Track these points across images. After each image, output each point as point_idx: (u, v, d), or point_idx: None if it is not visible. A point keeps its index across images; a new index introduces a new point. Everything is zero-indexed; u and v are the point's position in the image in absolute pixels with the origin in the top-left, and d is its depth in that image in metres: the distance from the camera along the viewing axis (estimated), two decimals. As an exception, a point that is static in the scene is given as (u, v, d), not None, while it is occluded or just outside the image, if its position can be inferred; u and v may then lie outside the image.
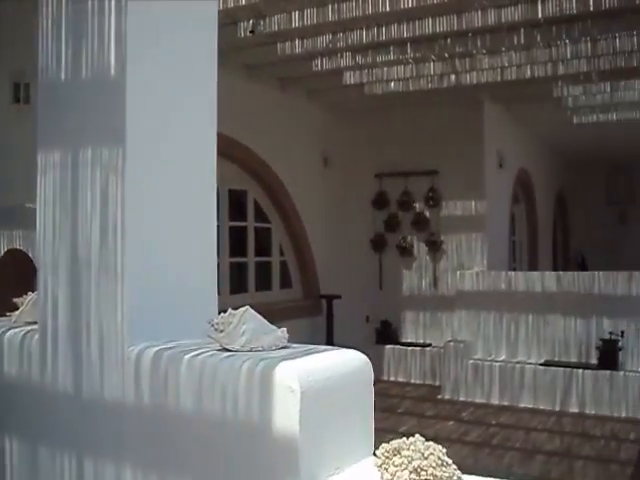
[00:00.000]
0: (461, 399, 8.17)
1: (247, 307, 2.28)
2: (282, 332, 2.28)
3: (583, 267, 15.84)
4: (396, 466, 1.81)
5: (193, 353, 2.13)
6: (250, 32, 6.51)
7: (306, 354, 2.09)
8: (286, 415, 1.86)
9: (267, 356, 2.04)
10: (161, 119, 2.49)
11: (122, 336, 2.27)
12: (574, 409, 7.59)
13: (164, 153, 2.51)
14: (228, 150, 8.14)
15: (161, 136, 2.49)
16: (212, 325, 2.22)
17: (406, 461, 1.80)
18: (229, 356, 2.08)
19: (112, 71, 2.36)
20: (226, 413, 2.00)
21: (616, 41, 7.03)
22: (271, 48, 7.17)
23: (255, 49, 7.50)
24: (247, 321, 2.21)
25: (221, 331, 2.20)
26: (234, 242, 8.56)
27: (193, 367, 2.09)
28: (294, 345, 2.28)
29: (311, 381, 1.89)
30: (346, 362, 2.16)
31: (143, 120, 2.40)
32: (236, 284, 8.50)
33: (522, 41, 6.84)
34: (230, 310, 2.25)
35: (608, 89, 8.79)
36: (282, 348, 2.21)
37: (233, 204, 8.50)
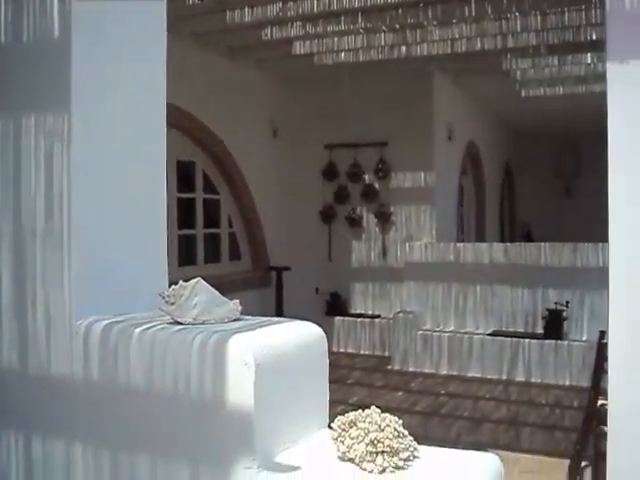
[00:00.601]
0: (410, 369, 8.25)
1: (199, 279, 2.23)
2: (235, 304, 2.24)
3: (529, 239, 16.09)
4: (352, 438, 1.79)
5: (144, 327, 2.08)
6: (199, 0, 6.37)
7: (260, 326, 2.06)
8: (240, 389, 1.82)
9: (220, 329, 2.00)
10: (108, 86, 2.41)
11: (70, 309, 2.20)
12: (520, 378, 7.74)
13: (112, 121, 2.43)
14: (176, 120, 7.98)
15: (108, 104, 2.41)
16: (163, 298, 2.17)
17: (362, 433, 1.79)
18: (181, 329, 2.03)
19: (56, 35, 2.26)
20: (178, 388, 1.95)
21: (565, 15, 7.08)
22: (220, 16, 7.03)
23: (204, 17, 7.34)
24: (199, 293, 2.17)
25: (172, 304, 2.15)
26: (182, 214, 8.44)
27: (144, 341, 2.04)
28: (247, 317, 2.25)
29: (266, 354, 1.86)
30: (301, 334, 2.13)
31: (89, 87, 2.31)
32: (185, 256, 8.40)
33: (473, 13, 6.82)
34: (181, 282, 2.20)
35: (556, 63, 8.86)
36: (235, 320, 2.17)
37: (181, 175, 8.36)
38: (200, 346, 1.92)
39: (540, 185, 16.52)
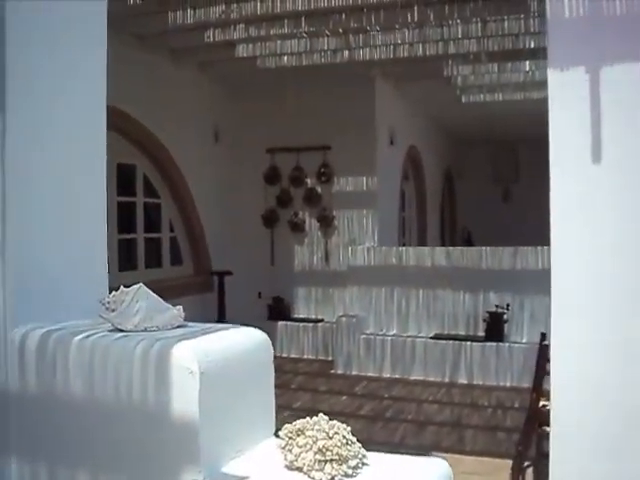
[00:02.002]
0: (354, 373, 8.25)
1: (140, 284, 2.17)
2: (178, 310, 2.18)
3: (469, 242, 16.31)
4: (300, 447, 1.76)
5: (83, 335, 2.01)
6: (139, -1, 6.26)
7: (204, 333, 2.01)
8: (184, 398, 1.77)
9: (163, 336, 1.94)
10: (46, 85, 2.33)
11: (5, 317, 2.11)
12: (463, 380, 7.81)
13: (49, 121, 2.35)
14: (117, 123, 7.83)
15: (46, 103, 2.33)
16: (103, 304, 2.10)
17: (310, 441, 1.75)
18: (122, 337, 1.97)
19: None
20: (120, 399, 1.89)
21: (505, 23, 7.19)
22: (162, 17, 6.92)
23: (145, 18, 7.23)
24: (140, 299, 2.10)
25: (113, 310, 2.08)
26: (123, 218, 8.30)
27: (83, 349, 1.97)
28: (191, 324, 2.19)
29: (210, 361, 1.81)
30: (246, 340, 2.09)
31: (25, 85, 2.23)
32: (125, 261, 8.25)
33: (415, 18, 6.88)
34: (122, 288, 2.14)
35: (496, 70, 8.99)
36: (178, 327, 2.11)
37: (121, 179, 8.21)
38: (142, 354, 1.86)
39: (480, 190, 16.76)
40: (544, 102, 9.83)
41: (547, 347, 4.58)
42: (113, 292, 2.13)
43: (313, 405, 6.88)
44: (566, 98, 3.61)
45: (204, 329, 2.09)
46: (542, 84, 9.50)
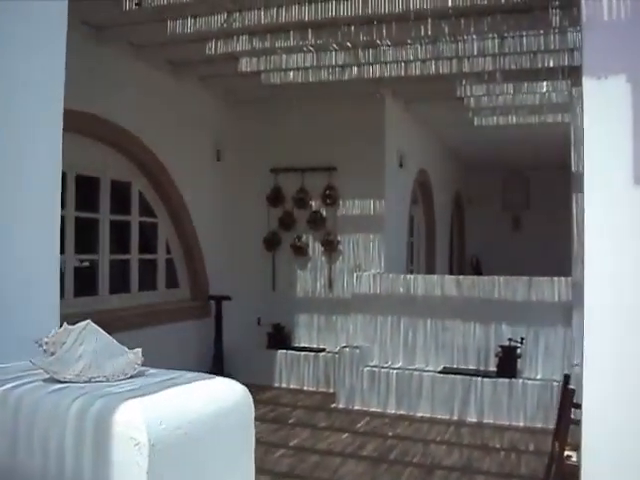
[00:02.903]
0: (356, 408, 7.76)
1: (88, 321, 1.72)
2: (136, 354, 1.73)
3: (478, 270, 15.89)
4: None
5: (9, 385, 1.56)
6: (136, 4, 5.87)
7: (164, 387, 1.55)
8: (129, 477, 1.32)
9: (109, 391, 1.49)
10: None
11: None
12: (472, 418, 7.31)
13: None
14: (111, 137, 7.47)
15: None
16: (40, 345, 1.66)
17: None
18: (57, 389, 1.52)
19: None
20: (48, 470, 1.44)
21: (523, 40, 6.80)
22: (160, 26, 6.51)
23: (143, 26, 6.83)
24: (86, 341, 1.65)
25: (52, 353, 1.64)
26: (116, 238, 7.87)
27: (7, 405, 1.52)
28: (151, 372, 1.74)
29: (165, 429, 1.36)
30: (218, 397, 1.63)
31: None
32: (117, 283, 7.81)
33: (429, 32, 6.47)
34: (66, 325, 1.69)
35: (511, 91, 8.61)
36: (133, 377, 1.66)
37: (116, 196, 7.79)
38: (78, 415, 1.42)
39: (489, 217, 16.35)
40: (559, 126, 9.36)
41: (571, 391, 4.13)
42: (54, 330, 1.69)
43: (311, 443, 6.39)
44: (603, 111, 3.17)
45: (165, 381, 1.64)
46: (559, 107, 9.20)
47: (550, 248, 14.37)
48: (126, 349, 1.74)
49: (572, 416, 4.04)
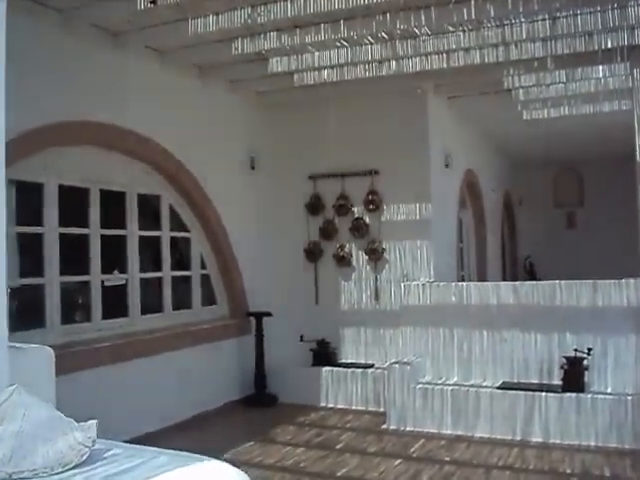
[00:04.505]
0: (409, 429, 7.14)
1: (15, 386, 1.19)
2: (87, 430, 1.20)
3: (532, 273, 15.18)
4: None
5: None
6: (151, 2, 5.42)
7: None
8: None
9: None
10: None
11: None
12: (537, 438, 6.64)
13: None
14: (137, 148, 7.05)
15: None
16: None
17: None
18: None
19: None
20: None
21: (577, 19, 6.17)
22: (181, 26, 6.09)
23: (161, 28, 6.38)
24: (8, 418, 1.13)
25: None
26: (147, 254, 7.44)
27: None
28: (112, 453, 1.20)
29: None
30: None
31: None
32: (149, 303, 7.36)
33: (473, 16, 5.87)
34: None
35: (563, 79, 7.98)
36: (78, 468, 1.13)
37: (144, 210, 7.35)
38: None
39: (541, 216, 15.62)
40: (616, 115, 8.61)
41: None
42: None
43: (361, 473, 5.80)
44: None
45: (124, 473, 1.10)
46: (616, 93, 8.49)
47: (609, 246, 13.61)
48: (74, 424, 1.20)
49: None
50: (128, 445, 1.20)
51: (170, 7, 5.65)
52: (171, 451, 1.25)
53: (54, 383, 2.66)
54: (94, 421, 1.23)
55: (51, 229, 6.17)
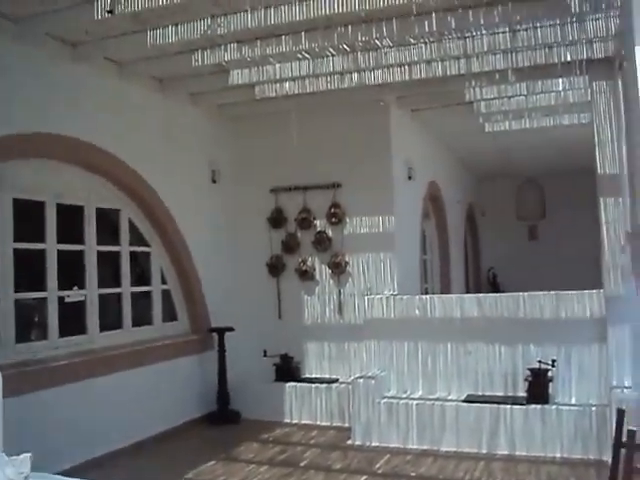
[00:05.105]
0: (374, 444, 7.06)
1: None
2: (17, 467, 1.11)
3: (495, 285, 15.23)
4: None
5: None
6: (108, 12, 5.30)
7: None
8: None
9: None
10: None
11: None
12: (503, 451, 6.60)
13: None
14: (96, 162, 6.89)
15: None
16: None
17: None
18: None
19: None
20: None
21: (537, 32, 6.19)
22: (140, 37, 5.96)
23: (121, 38, 6.24)
24: None
25: None
26: (106, 269, 7.27)
27: None
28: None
29: None
30: None
31: None
32: (108, 319, 7.19)
33: (434, 28, 5.86)
34: None
35: (524, 91, 8.01)
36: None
37: (103, 225, 7.20)
38: None
39: (503, 228, 15.71)
40: (576, 128, 8.70)
41: (633, 433, 3.47)
42: None
43: (326, 490, 5.72)
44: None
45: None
46: (577, 106, 8.57)
47: (570, 258, 13.72)
48: (4, 459, 1.11)
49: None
50: (62, 479, 1.11)
51: (128, 18, 5.54)
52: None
53: (1, 405, 2.53)
54: (27, 454, 1.14)
55: (5, 244, 5.99)
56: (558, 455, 6.43)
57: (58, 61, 6.31)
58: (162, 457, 6.77)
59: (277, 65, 6.92)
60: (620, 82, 6.57)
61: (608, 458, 5.48)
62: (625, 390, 6.13)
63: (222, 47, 6.42)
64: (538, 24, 6.11)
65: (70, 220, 6.82)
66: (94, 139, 6.73)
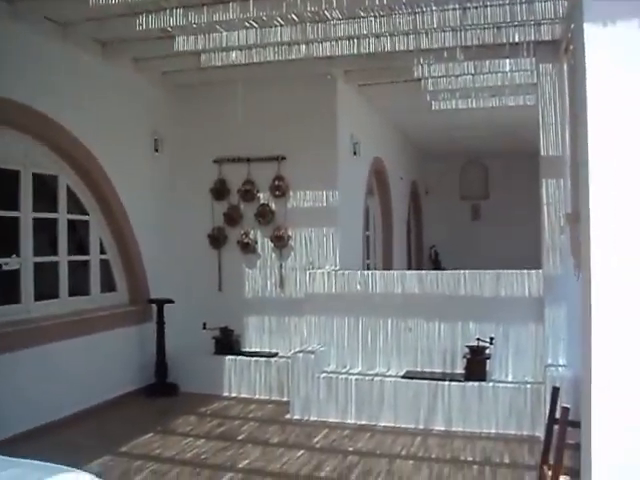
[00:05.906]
0: (312, 419, 7.07)
1: None
2: None
3: (436, 263, 15.38)
4: None
5: None
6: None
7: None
8: None
9: None
10: None
11: None
12: (440, 427, 6.68)
13: None
14: (33, 126, 6.66)
15: None
16: None
17: None
18: None
19: None
20: None
21: (487, 10, 6.18)
22: (81, -2, 5.75)
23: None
24: None
25: None
26: (43, 237, 7.07)
27: None
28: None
29: None
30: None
31: None
32: (44, 288, 7.00)
33: (385, 1, 5.80)
34: None
35: (472, 70, 8.02)
36: None
37: (39, 191, 6.98)
38: None
39: (447, 207, 15.84)
40: (522, 109, 8.75)
41: (567, 410, 3.51)
42: None
43: (263, 464, 5.68)
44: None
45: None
46: (523, 88, 8.63)
47: (512, 239, 13.91)
48: None
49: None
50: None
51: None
52: (27, 461, 1.10)
53: None
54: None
55: None
56: (493, 431, 6.53)
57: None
58: (97, 430, 6.65)
59: (224, 33, 6.77)
60: (566, 65, 6.61)
61: (541, 434, 5.63)
62: (560, 368, 6.25)
63: (167, 12, 6.23)
64: (488, 3, 6.10)
65: (5, 185, 6.60)
66: (32, 102, 6.49)
